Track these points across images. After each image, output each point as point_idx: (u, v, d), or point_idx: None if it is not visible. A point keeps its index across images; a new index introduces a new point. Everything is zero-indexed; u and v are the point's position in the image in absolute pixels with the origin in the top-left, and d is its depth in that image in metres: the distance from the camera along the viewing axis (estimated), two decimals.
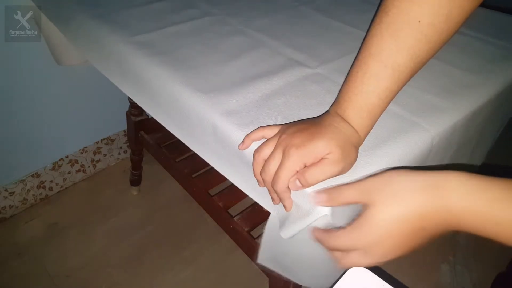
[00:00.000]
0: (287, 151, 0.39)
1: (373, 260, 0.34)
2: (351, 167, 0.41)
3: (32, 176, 1.19)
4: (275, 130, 0.44)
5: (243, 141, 0.46)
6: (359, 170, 0.42)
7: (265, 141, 0.43)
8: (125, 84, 0.65)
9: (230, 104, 0.51)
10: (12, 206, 1.19)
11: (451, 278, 1.11)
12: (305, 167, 0.39)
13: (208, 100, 0.52)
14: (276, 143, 0.41)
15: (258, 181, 0.44)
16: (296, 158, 0.38)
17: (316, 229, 0.38)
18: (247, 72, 0.58)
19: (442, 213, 0.31)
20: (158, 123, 0.61)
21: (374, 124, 0.43)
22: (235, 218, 0.79)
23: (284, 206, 0.42)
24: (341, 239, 0.35)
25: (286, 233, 0.43)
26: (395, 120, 0.50)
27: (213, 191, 0.86)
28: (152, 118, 0.61)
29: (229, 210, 0.82)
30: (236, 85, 0.55)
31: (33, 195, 1.22)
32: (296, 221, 0.42)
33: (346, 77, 0.44)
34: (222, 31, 0.69)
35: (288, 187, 0.40)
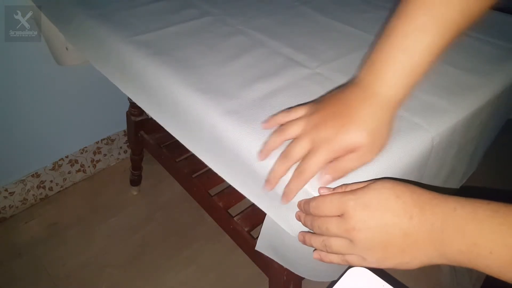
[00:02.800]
0: (316, 146, 0.38)
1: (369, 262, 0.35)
2: (382, 149, 0.40)
3: (32, 176, 1.19)
4: (302, 112, 0.42)
5: (267, 121, 0.45)
6: (359, 171, 0.42)
7: (291, 121, 0.42)
8: (125, 84, 0.65)
9: (230, 104, 0.51)
10: (12, 206, 1.19)
11: (451, 278, 1.11)
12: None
13: (208, 100, 0.52)
14: (304, 130, 0.39)
15: (263, 153, 0.42)
16: (327, 154, 0.37)
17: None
18: (247, 72, 0.58)
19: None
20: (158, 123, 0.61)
21: (414, 86, 0.39)
22: (235, 218, 0.79)
23: (287, 196, 0.40)
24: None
25: (295, 230, 0.43)
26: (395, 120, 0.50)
27: (213, 191, 0.86)
28: (152, 118, 0.61)
29: (229, 210, 0.82)
30: (236, 85, 0.55)
31: (33, 195, 1.22)
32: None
33: (377, 39, 0.39)
34: (222, 31, 0.69)
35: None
